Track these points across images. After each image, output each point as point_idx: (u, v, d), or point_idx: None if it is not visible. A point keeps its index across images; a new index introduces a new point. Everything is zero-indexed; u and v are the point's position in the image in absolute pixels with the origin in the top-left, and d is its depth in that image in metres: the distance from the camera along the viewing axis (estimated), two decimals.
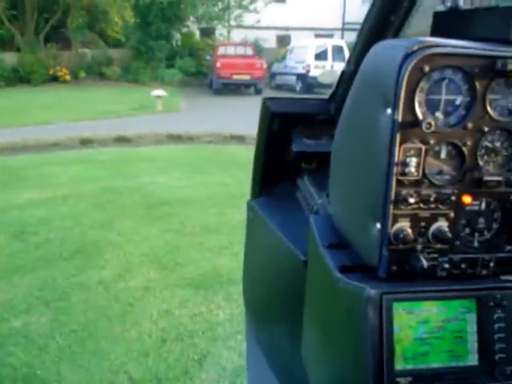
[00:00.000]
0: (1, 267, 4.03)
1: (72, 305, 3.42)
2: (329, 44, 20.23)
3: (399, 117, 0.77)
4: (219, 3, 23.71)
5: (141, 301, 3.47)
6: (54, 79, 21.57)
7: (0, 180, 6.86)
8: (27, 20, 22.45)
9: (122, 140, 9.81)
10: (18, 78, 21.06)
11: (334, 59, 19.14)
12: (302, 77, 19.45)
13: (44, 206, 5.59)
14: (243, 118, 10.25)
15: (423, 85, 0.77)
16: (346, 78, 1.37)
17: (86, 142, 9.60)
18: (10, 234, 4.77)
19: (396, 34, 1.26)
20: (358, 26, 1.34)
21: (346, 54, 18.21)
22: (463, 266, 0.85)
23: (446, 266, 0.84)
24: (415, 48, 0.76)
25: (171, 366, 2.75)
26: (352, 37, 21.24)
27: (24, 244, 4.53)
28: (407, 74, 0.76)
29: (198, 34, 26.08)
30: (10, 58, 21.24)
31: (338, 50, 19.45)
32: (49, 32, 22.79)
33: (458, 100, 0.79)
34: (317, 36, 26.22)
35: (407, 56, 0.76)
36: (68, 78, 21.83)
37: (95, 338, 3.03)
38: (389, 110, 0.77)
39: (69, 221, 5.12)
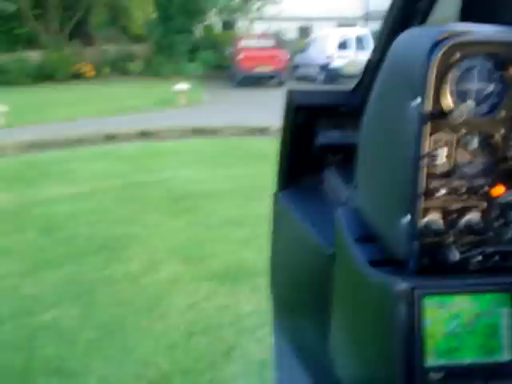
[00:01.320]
0: (29, 262, 4.10)
1: (100, 299, 3.47)
2: (352, 33, 20.03)
3: (428, 107, 0.75)
4: None
5: (167, 294, 3.50)
6: (78, 76, 21.82)
7: (26, 176, 6.99)
8: (51, 18, 22.74)
9: (145, 134, 9.87)
10: (43, 75, 21.34)
11: (357, 49, 18.93)
12: (324, 67, 19.29)
13: (70, 202, 5.67)
14: (266, 109, 10.22)
15: (453, 74, 0.75)
16: (372, 68, 1.35)
17: (110, 138, 9.68)
18: (37, 229, 4.85)
19: (423, 21, 1.23)
20: (382, 15, 1.32)
21: (370, 43, 18.02)
22: (496, 258, 0.83)
23: (479, 258, 0.82)
24: (443, 36, 0.74)
25: (199, 359, 2.77)
26: (376, 26, 21.01)
27: (51, 239, 4.61)
28: (436, 63, 0.74)
29: (219, 26, 26.07)
30: (34, 56, 21.57)
31: (361, 40, 19.24)
32: (72, 29, 23.08)
33: (490, 88, 0.77)
34: (339, 25, 25.98)
35: (435, 45, 0.74)
36: (92, 74, 22.08)
37: (124, 331, 3.07)
38: (417, 100, 0.76)
39: (94, 216, 5.19)
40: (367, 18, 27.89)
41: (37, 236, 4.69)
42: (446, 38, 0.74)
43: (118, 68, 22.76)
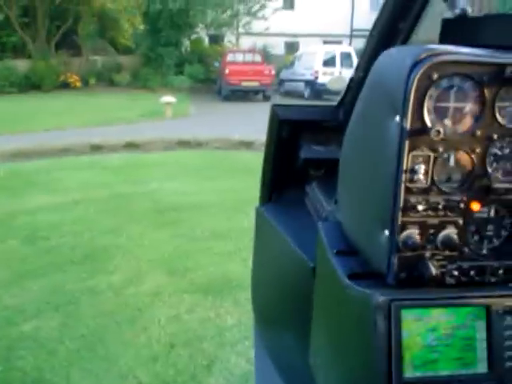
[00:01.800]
0: (12, 271, 4.06)
1: (82, 309, 3.44)
2: (337, 50, 20.25)
3: (408, 124, 0.77)
4: (228, 10, 23.81)
5: (150, 306, 3.48)
6: (65, 86, 21.75)
7: (11, 185, 6.92)
8: (39, 27, 22.67)
9: (131, 146, 9.85)
10: (30, 84, 21.26)
11: (342, 65, 19.15)
12: (310, 83, 19.46)
13: (54, 211, 5.62)
14: (251, 124, 10.26)
15: (432, 92, 0.78)
16: (355, 85, 1.37)
17: (96, 148, 9.64)
18: (21, 238, 4.80)
19: (404, 41, 1.26)
20: (367, 33, 1.35)
21: (355, 60, 18.22)
22: (472, 273, 0.85)
23: (455, 273, 0.84)
24: (424, 55, 0.76)
25: (180, 371, 2.75)
26: (360, 43, 21.25)
27: (35, 249, 4.56)
28: (416, 81, 0.76)
29: (206, 40, 26.19)
30: (22, 65, 21.46)
31: (346, 57, 19.48)
32: (60, 39, 23.03)
33: (467, 107, 0.80)
34: (325, 42, 26.25)
35: (416, 64, 0.76)
36: (78, 84, 22.01)
37: (104, 342, 3.04)
38: (397, 118, 0.78)
39: (79, 226, 5.15)
40: (352, 35, 28.19)
41: (21, 245, 4.64)
42: (426, 58, 0.76)
43: (105, 79, 22.72)
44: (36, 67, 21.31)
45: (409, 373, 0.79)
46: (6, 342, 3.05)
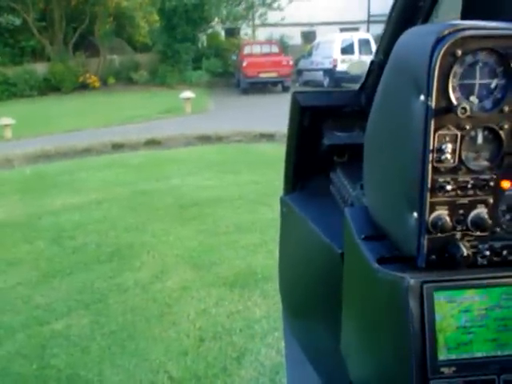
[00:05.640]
0: (40, 271, 4.12)
1: (111, 306, 3.48)
2: (355, 37, 20.06)
3: (433, 103, 0.75)
4: (243, 3, 23.78)
5: (178, 301, 3.51)
6: (84, 86, 21.99)
7: (35, 187, 7.03)
8: (56, 30, 22.93)
9: (152, 143, 9.92)
10: (50, 86, 21.57)
11: (360, 52, 18.98)
12: (329, 72, 19.33)
13: (79, 211, 5.70)
14: (271, 115, 10.25)
15: (456, 69, 0.76)
16: (376, 68, 1.35)
17: (117, 147, 9.74)
18: (47, 239, 4.88)
19: (425, 21, 1.23)
20: (384, 18, 1.33)
21: (373, 46, 18.05)
22: (504, 253, 0.83)
23: (487, 253, 0.82)
24: (446, 32, 0.74)
25: (210, 364, 2.77)
26: (378, 29, 21.03)
27: (61, 248, 4.63)
28: (439, 59, 0.74)
29: (223, 34, 26.19)
30: (41, 68, 21.77)
31: (364, 43, 19.27)
32: (77, 40, 23.26)
33: (493, 83, 0.77)
34: (342, 30, 26.02)
35: (438, 41, 0.74)
36: (97, 84, 22.23)
37: (134, 338, 3.07)
38: (422, 97, 0.76)
39: (103, 224, 5.21)
40: (369, 22, 27.91)
41: (47, 245, 4.72)
42: (449, 34, 0.74)
43: (124, 78, 22.88)
44: (55, 70, 21.58)
45: (443, 355, 0.78)
46: (39, 340, 3.11)
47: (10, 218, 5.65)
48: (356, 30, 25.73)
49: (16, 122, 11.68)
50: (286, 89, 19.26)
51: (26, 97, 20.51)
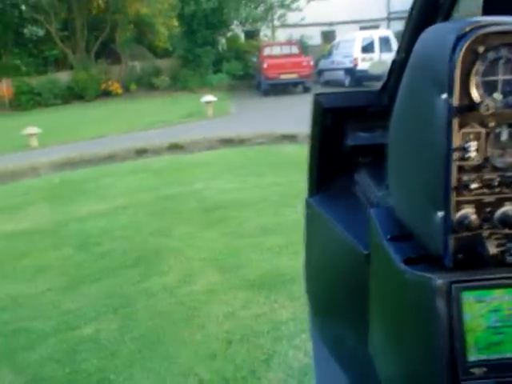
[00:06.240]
0: (69, 277, 4.19)
1: (139, 311, 3.52)
2: (375, 35, 19.86)
3: (455, 101, 0.75)
4: (262, 4, 23.79)
5: (205, 304, 3.52)
6: (107, 94, 22.27)
7: (62, 194, 7.14)
8: (78, 39, 23.28)
9: (175, 147, 9.98)
10: (73, 95, 21.90)
11: (381, 50, 18.78)
12: (349, 71, 19.21)
13: (104, 217, 5.77)
14: (293, 117, 10.22)
15: (478, 66, 0.75)
16: (397, 67, 1.34)
17: (140, 153, 9.82)
18: (74, 245, 4.95)
19: (446, 18, 1.22)
20: (404, 15, 1.32)
21: (394, 44, 17.88)
22: None
23: None
24: (467, 29, 0.74)
25: (239, 367, 2.78)
26: (398, 26, 20.84)
27: (89, 254, 4.69)
28: (461, 56, 0.74)
29: (242, 36, 26.23)
30: (64, 77, 22.12)
31: (385, 41, 19.07)
32: (99, 48, 23.58)
33: None
34: (362, 28, 25.84)
35: (460, 38, 0.74)
36: (120, 91, 22.48)
37: (163, 342, 3.10)
38: (444, 95, 0.75)
39: (129, 230, 5.26)
40: (389, 19, 27.68)
41: (75, 252, 4.79)
42: (470, 31, 0.74)
43: (145, 84, 23.08)
44: (78, 78, 21.90)
45: (473, 356, 0.77)
46: (70, 345, 3.15)
47: (38, 226, 5.74)
48: (376, 27, 25.52)
49: (41, 131, 11.89)
50: (306, 89, 19.15)
51: (50, 106, 20.85)
